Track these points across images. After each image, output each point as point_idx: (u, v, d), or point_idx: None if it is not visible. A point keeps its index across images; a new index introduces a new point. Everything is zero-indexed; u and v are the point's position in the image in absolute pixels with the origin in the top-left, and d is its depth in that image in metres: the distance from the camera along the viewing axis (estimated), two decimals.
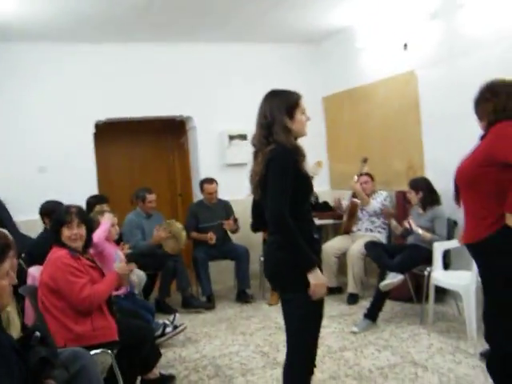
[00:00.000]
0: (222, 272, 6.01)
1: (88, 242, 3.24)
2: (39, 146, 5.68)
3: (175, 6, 4.92)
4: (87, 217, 3.34)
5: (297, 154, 2.32)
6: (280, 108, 2.34)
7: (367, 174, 5.46)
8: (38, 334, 1.93)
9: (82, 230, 3.13)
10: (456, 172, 2.70)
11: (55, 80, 5.76)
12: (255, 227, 2.79)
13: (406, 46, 5.29)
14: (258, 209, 2.50)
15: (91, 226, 3.31)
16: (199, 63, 6.31)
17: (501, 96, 2.56)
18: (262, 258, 5.14)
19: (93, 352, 2.82)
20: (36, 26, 5.11)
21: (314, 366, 2.43)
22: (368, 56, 5.90)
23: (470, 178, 2.58)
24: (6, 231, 1.94)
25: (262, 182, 2.32)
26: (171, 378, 3.60)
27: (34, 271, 3.59)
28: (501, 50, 4.25)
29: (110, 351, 2.97)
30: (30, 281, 3.49)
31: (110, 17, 5.09)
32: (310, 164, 5.38)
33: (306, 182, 2.37)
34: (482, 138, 2.62)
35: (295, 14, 5.50)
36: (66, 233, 3.07)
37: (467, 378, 3.26)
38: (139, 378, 3.44)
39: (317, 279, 2.26)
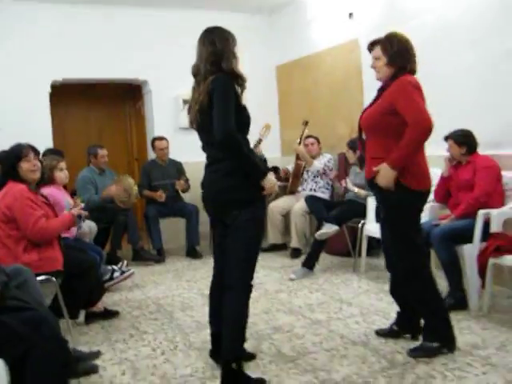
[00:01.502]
0: (174, 231, 6.24)
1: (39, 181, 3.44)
2: None
3: None
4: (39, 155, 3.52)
5: (238, 84, 2.52)
6: (230, 40, 2.56)
7: (313, 137, 5.75)
8: None
9: (38, 163, 3.32)
10: (360, 118, 2.98)
11: (12, 38, 5.83)
12: None
13: (351, 15, 5.59)
14: None
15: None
16: (155, 28, 6.48)
17: (411, 48, 2.86)
18: None
19: (38, 278, 3.04)
20: None
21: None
22: (317, 26, 6.17)
23: (374, 123, 2.87)
24: None
25: (204, 109, 2.48)
26: (115, 313, 3.84)
27: None
28: (433, 18, 4.58)
29: (54, 278, 3.18)
30: None
31: None
32: (259, 127, 5.71)
33: (244, 113, 2.56)
34: (383, 88, 2.91)
35: None
36: (25, 166, 3.24)
37: (384, 310, 3.61)
38: (83, 312, 3.68)
39: (270, 181, 2.53)
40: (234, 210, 2.53)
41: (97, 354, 3.06)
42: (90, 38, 6.17)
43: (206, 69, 2.53)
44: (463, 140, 3.85)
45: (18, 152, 3.24)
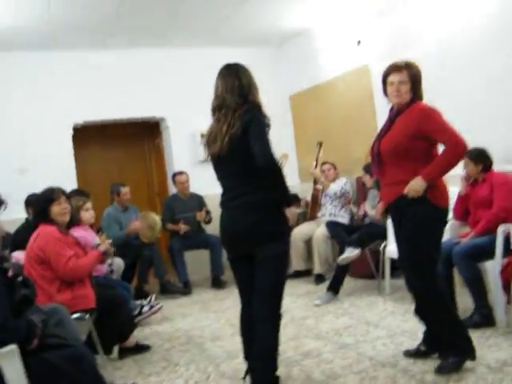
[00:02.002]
0: (198, 263, 6.33)
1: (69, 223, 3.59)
2: (20, 149, 5.99)
3: (143, 9, 5.30)
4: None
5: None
6: (251, 74, 2.70)
7: (329, 163, 5.85)
8: (21, 277, 2.28)
9: (69, 205, 3.47)
10: (378, 145, 3.06)
11: (32, 86, 6.10)
12: None
13: (359, 42, 5.74)
14: None
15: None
16: (170, 67, 6.71)
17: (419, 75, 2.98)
18: None
19: (72, 317, 3.15)
20: (9, 35, 5.45)
21: None
22: (326, 54, 6.34)
23: (399, 148, 2.95)
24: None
25: (236, 140, 2.54)
26: (147, 347, 3.91)
27: (18, 255, 3.93)
28: (438, 41, 4.71)
29: (87, 316, 3.29)
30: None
31: (83, 24, 5.46)
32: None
33: None
34: (395, 115, 3.01)
35: (256, 18, 5.92)
36: (56, 209, 3.40)
37: (411, 330, 3.63)
38: (117, 347, 3.78)
39: (293, 212, 2.66)
40: (266, 244, 2.58)
41: None
42: (107, 80, 6.42)
43: (235, 101, 2.62)
44: (479, 158, 3.92)
45: (50, 195, 3.40)
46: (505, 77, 4.15)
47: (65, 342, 2.37)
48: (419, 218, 2.87)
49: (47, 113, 6.15)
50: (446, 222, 3.01)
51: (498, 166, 3.95)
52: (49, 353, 2.19)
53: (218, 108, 2.69)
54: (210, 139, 2.72)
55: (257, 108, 2.62)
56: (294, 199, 2.77)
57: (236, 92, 2.63)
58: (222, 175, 2.76)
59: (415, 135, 2.88)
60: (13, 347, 2.01)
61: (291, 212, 2.63)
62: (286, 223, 2.64)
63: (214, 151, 2.68)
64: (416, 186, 2.84)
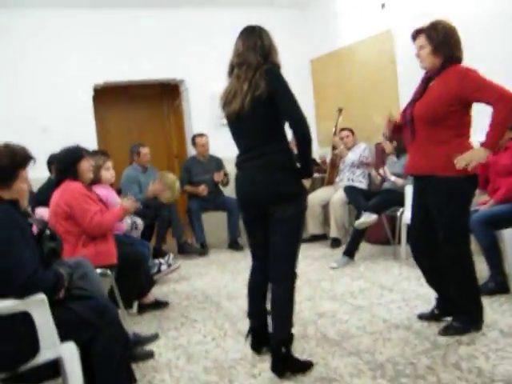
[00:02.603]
0: (216, 225, 6.41)
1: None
2: (42, 109, 6.05)
3: None
4: None
5: None
6: (272, 39, 2.72)
7: (347, 129, 5.82)
8: (48, 231, 2.36)
9: (93, 163, 3.56)
10: (411, 110, 3.03)
11: (55, 44, 6.13)
12: None
13: (383, 5, 5.63)
14: None
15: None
16: (190, 28, 6.67)
17: (457, 36, 2.90)
18: None
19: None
20: None
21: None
22: (348, 18, 6.25)
23: (435, 115, 2.91)
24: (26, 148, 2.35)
25: (261, 99, 2.54)
26: (165, 303, 4.03)
27: (42, 211, 4.02)
28: (463, 7, 4.61)
29: (109, 271, 3.38)
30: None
31: None
32: None
33: None
34: (430, 78, 2.97)
35: None
36: (85, 165, 3.48)
37: (426, 295, 3.66)
38: (136, 303, 3.89)
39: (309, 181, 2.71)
40: (283, 204, 2.61)
41: (156, 336, 3.25)
42: (128, 41, 6.41)
43: (258, 60, 2.63)
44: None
45: (79, 152, 3.46)
46: None
47: (89, 293, 2.46)
48: (451, 188, 2.87)
49: (68, 73, 6.18)
50: (476, 188, 3.01)
51: None
52: (74, 303, 2.28)
53: (239, 65, 2.68)
54: (228, 97, 2.70)
55: (278, 68, 2.66)
56: (312, 174, 2.78)
57: (258, 51, 2.65)
58: (241, 135, 2.75)
59: (452, 100, 2.81)
60: (42, 296, 2.09)
61: (308, 180, 2.69)
62: (303, 186, 2.70)
63: (233, 109, 2.66)
64: (478, 156, 2.77)
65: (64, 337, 2.17)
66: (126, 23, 6.42)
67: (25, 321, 2.07)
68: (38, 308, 2.08)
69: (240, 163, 2.77)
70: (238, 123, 2.72)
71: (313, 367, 2.71)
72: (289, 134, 2.70)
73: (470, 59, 4.19)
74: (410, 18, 5.22)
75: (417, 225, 3.15)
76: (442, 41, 2.86)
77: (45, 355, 2.12)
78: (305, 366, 2.70)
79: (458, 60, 2.91)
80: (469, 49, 4.41)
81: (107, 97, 6.87)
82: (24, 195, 2.30)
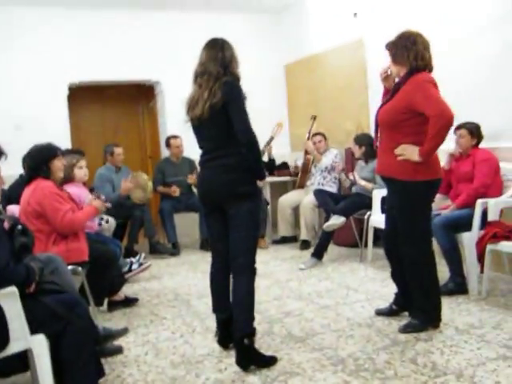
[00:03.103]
0: (187, 226, 6.48)
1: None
2: (16, 106, 6.04)
3: None
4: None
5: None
6: (233, 48, 2.92)
7: (320, 134, 5.96)
8: (20, 226, 2.41)
9: (64, 162, 3.60)
10: (378, 113, 3.19)
11: (31, 43, 6.14)
12: None
13: (355, 14, 5.78)
14: None
15: None
16: (166, 30, 6.74)
17: (419, 45, 3.04)
18: None
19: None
20: None
21: None
22: (322, 26, 6.39)
23: (389, 120, 3.08)
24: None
25: (216, 107, 2.74)
26: (135, 300, 4.10)
27: (12, 208, 4.03)
28: (435, 17, 4.78)
29: (80, 268, 3.43)
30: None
31: None
32: (272, 126, 5.92)
33: None
34: (399, 84, 3.12)
35: None
36: (57, 164, 3.52)
37: (389, 295, 3.75)
38: (106, 300, 3.94)
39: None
40: (237, 201, 2.81)
41: (125, 330, 3.31)
42: (104, 41, 6.45)
43: (218, 70, 2.81)
44: (476, 131, 4.04)
45: (53, 150, 3.49)
46: (498, 56, 4.23)
47: (60, 288, 2.52)
48: (409, 190, 3.02)
49: (43, 71, 6.18)
50: (435, 193, 3.17)
51: (485, 144, 4.09)
52: (45, 296, 2.33)
53: (201, 74, 2.88)
54: (192, 103, 2.90)
55: (236, 80, 2.84)
56: (264, 176, 3.00)
57: (218, 61, 2.84)
58: (202, 138, 2.96)
59: (405, 108, 2.97)
60: (13, 289, 2.14)
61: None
62: (256, 186, 2.93)
63: (195, 114, 2.86)
64: (410, 155, 2.96)
65: (34, 329, 2.22)
66: (102, 24, 6.45)
67: None
68: (9, 300, 2.13)
69: (201, 163, 2.99)
70: (199, 127, 2.93)
71: (277, 362, 2.81)
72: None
73: (438, 67, 4.37)
74: (382, 27, 5.39)
75: (388, 221, 3.28)
76: (399, 52, 3.02)
77: (15, 347, 2.17)
78: (269, 361, 2.81)
79: (424, 68, 3.03)
80: (438, 55, 4.64)
81: (82, 96, 6.89)
82: None
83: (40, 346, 2.21)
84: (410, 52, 3.00)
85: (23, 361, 2.42)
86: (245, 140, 2.75)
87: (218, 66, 2.83)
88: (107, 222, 4.53)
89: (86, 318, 2.39)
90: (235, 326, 2.80)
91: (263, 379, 2.65)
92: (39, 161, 3.47)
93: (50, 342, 2.28)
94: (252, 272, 2.85)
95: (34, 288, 2.33)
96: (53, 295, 2.37)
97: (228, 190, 2.83)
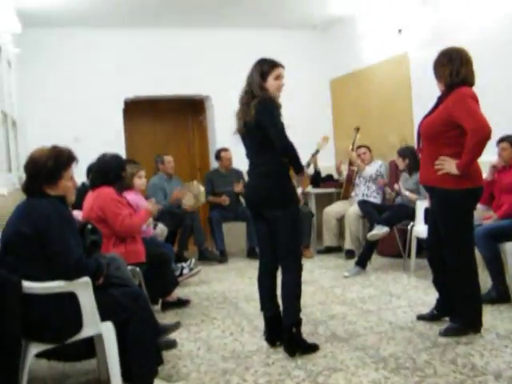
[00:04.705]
0: (235, 235, 6.71)
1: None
2: (75, 120, 6.46)
3: None
4: None
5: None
6: (257, 72, 3.12)
7: (365, 146, 6.11)
8: (89, 225, 2.68)
9: None
10: (420, 125, 3.35)
11: (93, 60, 6.58)
12: None
13: (400, 30, 5.94)
14: None
15: None
16: (217, 47, 7.05)
17: (455, 62, 3.20)
18: None
19: None
20: (64, 11, 5.88)
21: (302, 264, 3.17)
22: (367, 41, 6.57)
23: (432, 132, 3.23)
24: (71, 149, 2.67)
25: (251, 124, 3.03)
26: (187, 301, 4.34)
27: (75, 214, 4.36)
28: (478, 33, 4.89)
29: (138, 268, 3.69)
30: None
31: (135, 1, 5.84)
32: (317, 139, 6.10)
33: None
34: (441, 98, 3.27)
35: (303, 2, 6.21)
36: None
37: (431, 302, 3.84)
38: (160, 301, 4.19)
39: (306, 179, 3.20)
40: (274, 206, 3.08)
41: (178, 325, 3.52)
42: (158, 58, 6.83)
43: (247, 95, 3.12)
44: None
45: (123, 162, 3.88)
46: None
47: (125, 282, 2.78)
48: (452, 199, 3.15)
49: (101, 87, 6.59)
50: (477, 201, 3.30)
51: None
52: (112, 289, 2.59)
53: (245, 91, 3.16)
54: (237, 118, 3.21)
55: (268, 99, 3.05)
56: (302, 168, 3.19)
57: (248, 86, 3.13)
58: (246, 149, 3.27)
59: (446, 121, 3.12)
60: (87, 279, 2.40)
61: (299, 179, 3.21)
62: (290, 192, 3.13)
63: (238, 127, 3.20)
64: (450, 170, 3.09)
65: (103, 318, 2.48)
66: (156, 42, 6.84)
67: (71, 300, 2.38)
68: (83, 289, 2.40)
69: (248, 172, 3.29)
70: (243, 140, 3.25)
71: (319, 350, 3.09)
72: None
73: (481, 81, 4.49)
74: (426, 42, 5.53)
75: (431, 229, 3.42)
76: (437, 69, 3.21)
77: (87, 331, 2.43)
78: (312, 347, 3.10)
79: (464, 83, 3.16)
80: (481, 71, 4.75)
81: (136, 110, 7.26)
82: (70, 192, 2.62)
83: (109, 332, 2.46)
84: (446, 69, 3.16)
85: (91, 348, 2.69)
86: (280, 147, 3.00)
87: (246, 91, 3.12)
88: (155, 226, 4.79)
89: (148, 309, 2.64)
90: (284, 315, 3.07)
91: (308, 373, 2.82)
92: (116, 169, 3.83)
93: (115, 330, 2.52)
94: (298, 267, 3.11)
95: (103, 281, 2.59)
96: (119, 288, 2.62)
97: (264, 197, 3.11)
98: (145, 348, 2.55)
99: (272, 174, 3.08)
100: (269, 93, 3.08)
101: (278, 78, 3.12)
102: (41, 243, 2.37)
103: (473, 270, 3.25)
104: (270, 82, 3.09)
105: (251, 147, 3.19)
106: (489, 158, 4.20)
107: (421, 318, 3.56)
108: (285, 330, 3.09)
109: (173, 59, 6.91)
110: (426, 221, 3.96)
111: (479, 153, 3.07)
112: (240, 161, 6.60)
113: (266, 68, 3.11)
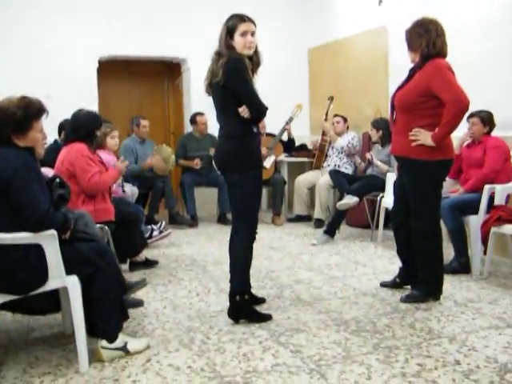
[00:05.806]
0: (206, 200, 6.72)
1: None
2: (47, 76, 6.30)
3: None
4: None
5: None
6: (224, 28, 2.98)
7: (341, 116, 6.13)
8: (57, 179, 2.65)
9: None
10: (394, 96, 3.37)
11: (66, 16, 6.39)
12: None
13: (380, 2, 5.92)
14: None
15: None
16: (193, 7, 6.91)
17: (431, 33, 3.21)
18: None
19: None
20: None
21: (256, 233, 3.10)
22: (347, 11, 6.53)
23: (407, 103, 3.24)
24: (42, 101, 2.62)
25: (219, 86, 2.91)
26: (155, 262, 4.36)
27: (45, 171, 4.29)
28: (458, 7, 4.91)
29: (106, 227, 3.68)
30: None
31: None
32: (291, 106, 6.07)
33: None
34: (414, 69, 3.29)
35: None
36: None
37: (395, 271, 3.93)
38: (128, 261, 4.20)
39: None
40: (234, 170, 2.97)
41: (144, 281, 3.54)
42: (133, 18, 6.68)
43: (217, 54, 2.98)
44: (488, 120, 4.19)
45: (99, 120, 3.85)
46: None
47: (92, 237, 2.77)
48: (424, 170, 3.20)
49: (75, 44, 6.43)
50: (447, 171, 3.35)
51: (497, 132, 4.23)
52: (79, 243, 2.58)
53: (215, 53, 3.01)
54: (205, 78, 3.07)
55: (234, 60, 2.87)
56: (262, 112, 3.01)
57: (222, 40, 2.96)
58: (216, 110, 3.12)
59: (423, 92, 3.13)
60: (53, 231, 2.39)
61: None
62: (252, 156, 2.99)
63: (206, 90, 3.10)
64: (424, 141, 3.13)
65: (68, 271, 2.47)
66: (132, 1, 6.67)
67: (37, 252, 2.37)
68: (49, 242, 2.38)
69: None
70: (213, 100, 3.11)
71: (271, 321, 3.05)
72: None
73: (454, 53, 4.52)
74: (405, 16, 5.50)
75: (397, 199, 3.49)
76: (413, 39, 3.20)
77: (52, 284, 2.43)
78: (262, 317, 3.05)
79: (439, 54, 3.18)
80: (460, 46, 4.79)
81: (112, 70, 7.12)
82: (39, 144, 2.58)
83: (74, 286, 2.46)
84: (423, 39, 3.15)
85: (56, 302, 2.70)
86: (259, 117, 2.98)
87: (216, 50, 2.96)
88: (123, 188, 4.75)
89: (114, 265, 2.64)
90: (231, 281, 3.04)
91: (271, 333, 2.89)
92: (92, 127, 3.79)
93: (81, 285, 2.53)
94: (251, 234, 3.02)
95: (70, 235, 2.58)
96: (86, 243, 2.62)
97: (223, 159, 3.03)
98: (110, 303, 2.56)
99: (233, 136, 2.96)
100: (236, 51, 2.91)
101: (245, 34, 2.88)
102: (7, 194, 2.35)
103: (438, 238, 3.33)
104: (237, 39, 2.89)
105: (217, 108, 3.07)
106: (458, 133, 4.27)
107: (384, 285, 3.66)
108: (229, 295, 3.03)
109: (149, 20, 6.76)
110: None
111: (456, 125, 3.11)
112: (216, 126, 6.64)
113: (231, 24, 2.91)
